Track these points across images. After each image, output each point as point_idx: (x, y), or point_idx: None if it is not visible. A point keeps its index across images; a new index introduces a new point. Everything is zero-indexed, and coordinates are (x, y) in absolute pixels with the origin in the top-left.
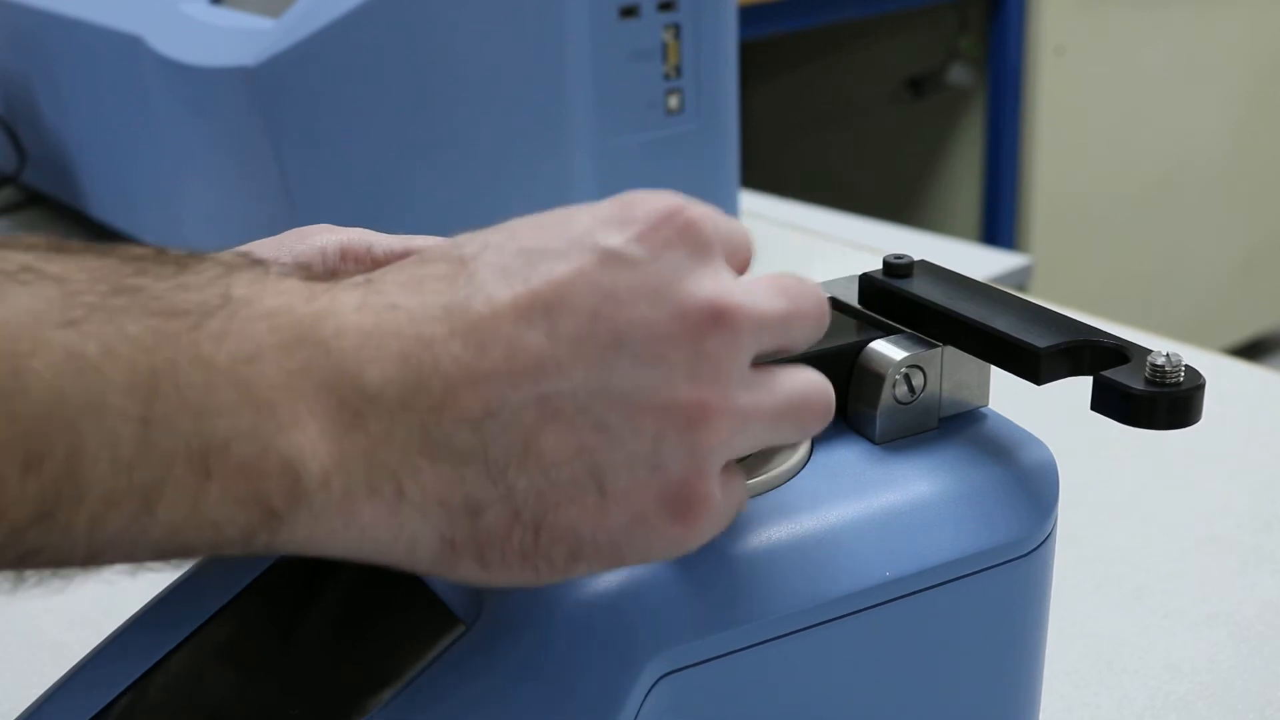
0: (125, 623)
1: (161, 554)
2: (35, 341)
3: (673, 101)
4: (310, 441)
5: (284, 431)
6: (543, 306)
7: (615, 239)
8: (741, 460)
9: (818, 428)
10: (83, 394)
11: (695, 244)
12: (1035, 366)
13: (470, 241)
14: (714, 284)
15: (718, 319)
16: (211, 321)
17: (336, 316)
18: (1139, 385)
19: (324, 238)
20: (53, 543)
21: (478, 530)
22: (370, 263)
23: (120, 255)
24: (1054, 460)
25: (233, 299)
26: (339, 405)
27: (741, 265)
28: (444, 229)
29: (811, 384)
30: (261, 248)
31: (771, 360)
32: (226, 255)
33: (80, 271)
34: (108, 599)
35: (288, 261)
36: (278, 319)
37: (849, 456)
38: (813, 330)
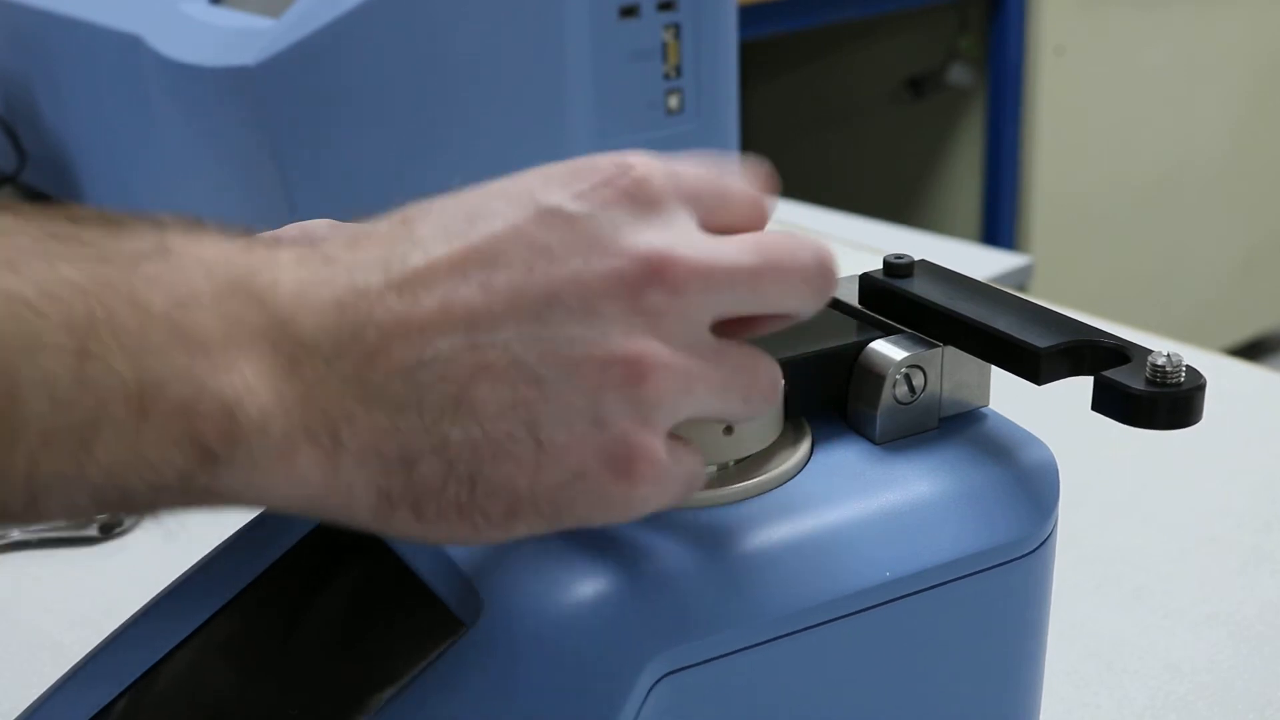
0: (125, 623)
1: (101, 499)
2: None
3: (673, 101)
4: (246, 385)
5: (220, 374)
6: (478, 260)
7: (555, 196)
8: (741, 460)
9: (761, 409)
10: (19, 335)
11: (640, 199)
12: (1035, 366)
13: (418, 206)
14: (655, 236)
15: (656, 272)
16: (147, 266)
17: (273, 268)
18: (1140, 385)
19: (323, 233)
20: None
21: (413, 482)
22: None
23: (62, 212)
24: (1054, 460)
25: (169, 249)
26: (274, 351)
27: (735, 224)
28: None
29: (761, 362)
30: None
31: (770, 337)
32: (166, 215)
33: (20, 223)
34: (107, 599)
35: None
36: (214, 268)
37: (849, 456)
38: (797, 290)
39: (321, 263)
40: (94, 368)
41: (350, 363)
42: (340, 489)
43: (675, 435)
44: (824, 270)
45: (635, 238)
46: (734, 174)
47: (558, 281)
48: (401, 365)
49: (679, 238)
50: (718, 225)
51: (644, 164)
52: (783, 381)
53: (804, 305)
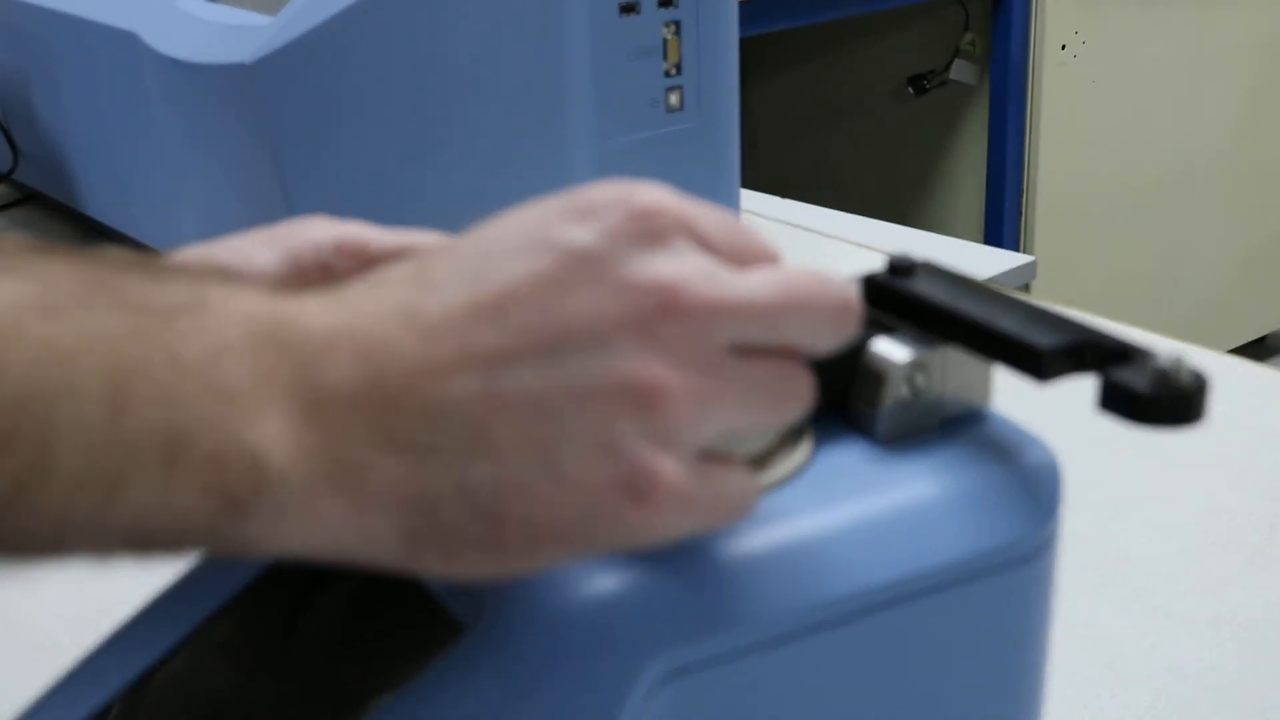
0: (123, 624)
1: (128, 541)
2: (15, 330)
3: (673, 99)
4: (273, 436)
5: (248, 425)
6: (492, 304)
7: (567, 233)
8: (746, 461)
9: (793, 415)
10: (57, 381)
11: (647, 228)
12: (1039, 367)
13: (439, 247)
14: (666, 266)
15: (667, 302)
16: (184, 318)
17: (300, 319)
18: (1143, 385)
19: (320, 231)
20: (21, 526)
21: (437, 523)
22: (365, 258)
23: (102, 258)
24: (1057, 461)
25: (205, 301)
26: (301, 402)
27: (742, 257)
28: (442, 226)
29: (786, 369)
30: (255, 238)
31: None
32: (203, 264)
33: (62, 270)
34: (107, 600)
35: (277, 255)
36: (246, 322)
37: (851, 457)
38: (817, 328)
39: (345, 310)
40: (127, 418)
41: (373, 410)
42: (366, 535)
43: (716, 455)
44: (847, 311)
45: (646, 269)
46: (744, 224)
47: (570, 317)
48: (421, 410)
49: (691, 268)
50: (733, 261)
51: (652, 195)
52: (812, 383)
53: (824, 343)
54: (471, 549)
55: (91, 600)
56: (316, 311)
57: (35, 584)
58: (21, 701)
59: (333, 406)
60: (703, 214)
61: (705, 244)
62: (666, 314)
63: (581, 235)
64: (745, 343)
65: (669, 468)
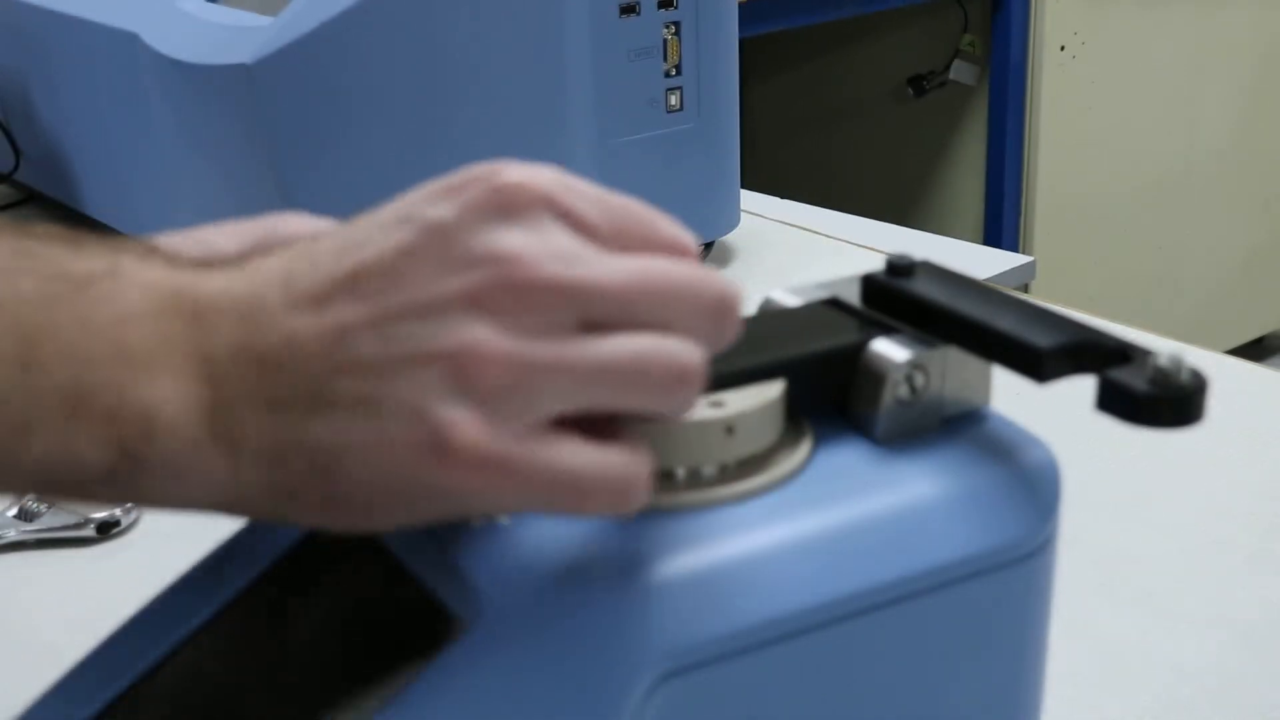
0: (122, 624)
1: (34, 484)
2: None
3: (673, 99)
4: (166, 393)
5: (145, 384)
6: (349, 275)
7: (426, 208)
8: (742, 461)
9: (666, 399)
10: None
11: (504, 203)
12: (1038, 366)
13: (334, 226)
14: (512, 240)
15: (505, 274)
16: (96, 287)
17: (199, 286)
18: (1142, 385)
19: (293, 225)
20: None
21: (291, 477)
22: None
23: (31, 231)
24: (1056, 461)
25: (118, 271)
26: (193, 361)
27: (626, 241)
28: None
29: (655, 349)
30: (227, 229)
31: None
32: (125, 239)
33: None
34: (105, 600)
35: (240, 245)
36: (152, 289)
37: (850, 457)
38: (691, 320)
39: (240, 279)
40: (34, 373)
41: (246, 370)
42: (241, 488)
43: (613, 434)
44: (721, 305)
45: (490, 242)
46: (654, 214)
47: (413, 287)
48: (279, 370)
49: (541, 244)
50: (612, 244)
51: (519, 172)
52: (697, 369)
53: (699, 334)
54: (320, 503)
55: (91, 600)
56: (217, 280)
57: (34, 584)
58: (21, 702)
59: (217, 365)
60: (580, 195)
61: (577, 224)
62: (504, 286)
63: (439, 210)
64: (599, 322)
65: (472, 430)
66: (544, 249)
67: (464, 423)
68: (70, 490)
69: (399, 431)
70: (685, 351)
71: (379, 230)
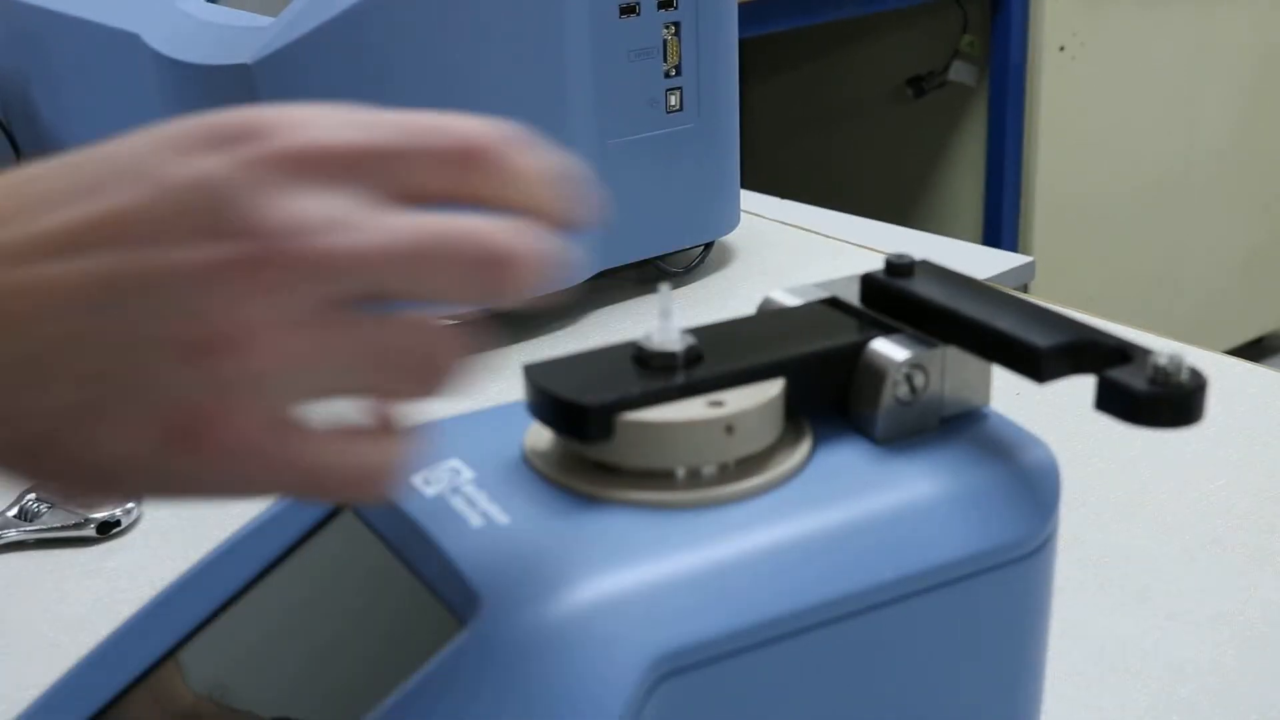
0: (123, 624)
1: None
2: None
3: (673, 100)
4: None
5: None
6: (87, 235)
7: (177, 164)
8: (742, 460)
9: (428, 385)
10: None
11: (276, 162)
12: (1037, 366)
13: (45, 164)
14: (277, 209)
15: (263, 249)
16: None
17: None
18: (1142, 385)
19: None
20: None
21: (18, 444)
22: None
23: None
24: (1055, 460)
25: None
26: None
27: (436, 187)
28: None
29: (426, 335)
30: None
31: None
32: None
33: None
34: (105, 600)
35: None
36: None
37: (850, 456)
38: (459, 284)
39: None
40: None
41: None
42: None
43: (356, 425)
44: (494, 263)
45: (252, 212)
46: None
47: (160, 257)
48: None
49: (309, 210)
50: (411, 186)
51: (288, 123)
52: (463, 354)
53: (470, 300)
54: (44, 472)
55: (91, 600)
56: None
57: (34, 584)
58: (22, 701)
59: None
60: (371, 130)
61: (356, 171)
62: (261, 264)
63: (191, 169)
64: (368, 294)
65: (227, 417)
66: (314, 220)
67: (225, 413)
68: None
69: (135, 414)
70: (444, 341)
71: (114, 181)
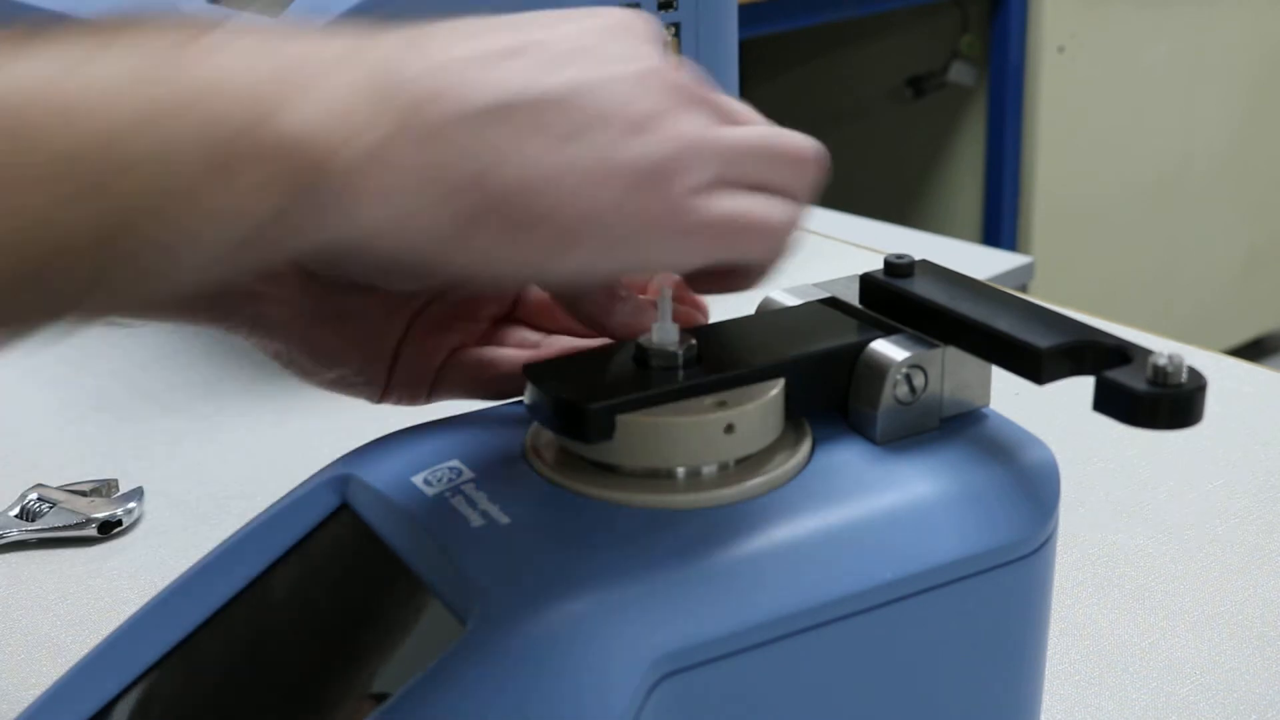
0: (124, 624)
1: (209, 260)
2: (69, 81)
3: None
4: (344, 132)
5: (302, 107)
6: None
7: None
8: (742, 460)
9: (803, 181)
10: (131, 113)
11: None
12: (1037, 367)
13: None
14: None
15: (669, 87)
16: (211, 39)
17: (382, 41)
18: (1141, 386)
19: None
20: (102, 267)
21: (481, 199)
22: None
23: (180, 26)
24: (1055, 461)
25: (228, 29)
26: (366, 92)
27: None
28: None
29: (791, 150)
30: None
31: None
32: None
33: (97, 30)
34: (107, 599)
35: None
36: (330, 45)
37: (850, 457)
38: (791, 174)
39: (425, 40)
40: (175, 132)
41: (413, 106)
42: (409, 218)
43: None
44: (808, 160)
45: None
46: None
47: (609, 67)
48: (457, 112)
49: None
50: (754, 172)
51: (723, 106)
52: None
53: (793, 190)
54: (506, 235)
55: (92, 600)
56: (400, 39)
57: (36, 584)
58: (23, 701)
59: (385, 100)
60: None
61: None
62: (684, 101)
63: (646, 63)
64: (734, 180)
65: (667, 174)
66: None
67: (664, 166)
68: (247, 255)
69: (618, 159)
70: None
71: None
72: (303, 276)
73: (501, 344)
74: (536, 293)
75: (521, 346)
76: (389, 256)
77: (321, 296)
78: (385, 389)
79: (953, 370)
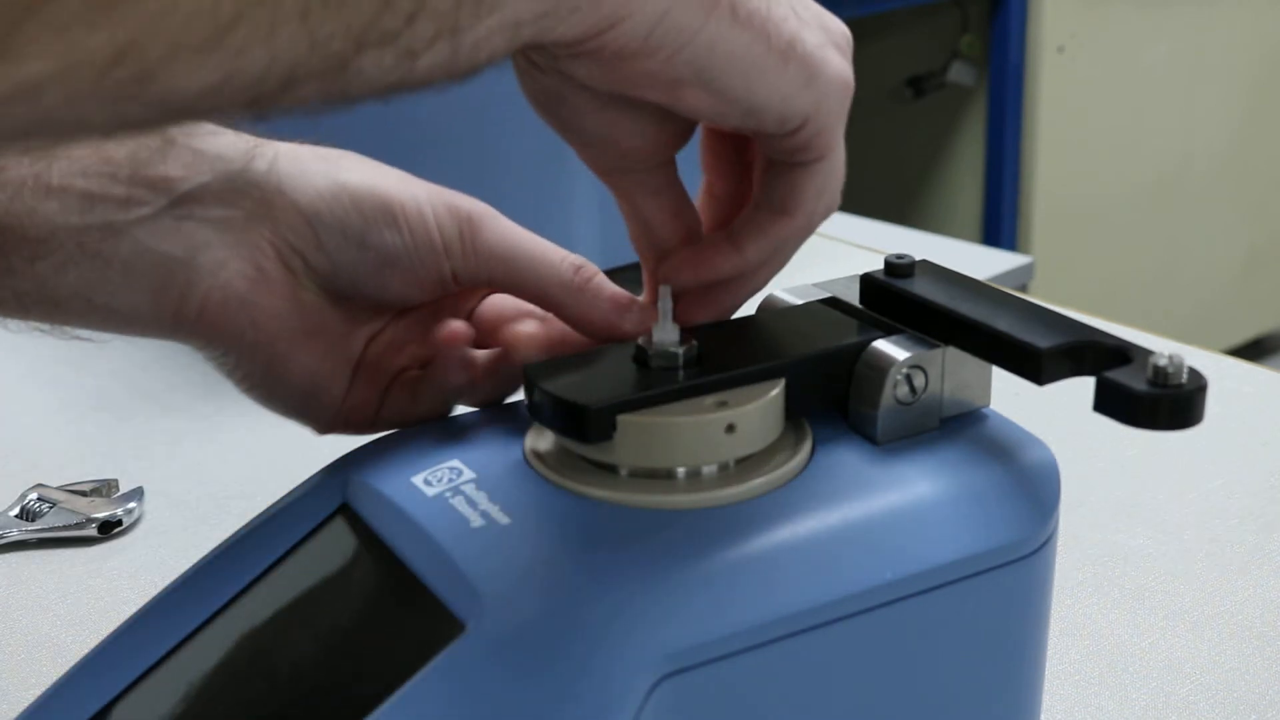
0: (124, 623)
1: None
2: None
3: None
4: None
5: None
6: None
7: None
8: (742, 460)
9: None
10: None
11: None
12: (1037, 367)
13: None
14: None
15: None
16: None
17: None
18: (1141, 386)
19: None
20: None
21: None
22: None
23: None
24: (1055, 461)
25: None
26: None
27: None
28: None
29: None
30: None
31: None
32: None
33: None
34: (107, 599)
35: None
36: None
37: (850, 457)
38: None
39: None
40: None
41: None
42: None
43: None
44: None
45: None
46: None
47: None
48: None
49: None
50: None
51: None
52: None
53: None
54: (753, 18)
55: (92, 600)
56: None
57: (36, 583)
58: (23, 701)
59: None
60: None
61: None
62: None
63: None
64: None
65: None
66: None
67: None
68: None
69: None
70: None
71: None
72: (292, 285)
73: (445, 366)
74: (490, 307)
75: (465, 368)
76: (643, 50)
77: (307, 308)
78: (338, 411)
79: (953, 370)
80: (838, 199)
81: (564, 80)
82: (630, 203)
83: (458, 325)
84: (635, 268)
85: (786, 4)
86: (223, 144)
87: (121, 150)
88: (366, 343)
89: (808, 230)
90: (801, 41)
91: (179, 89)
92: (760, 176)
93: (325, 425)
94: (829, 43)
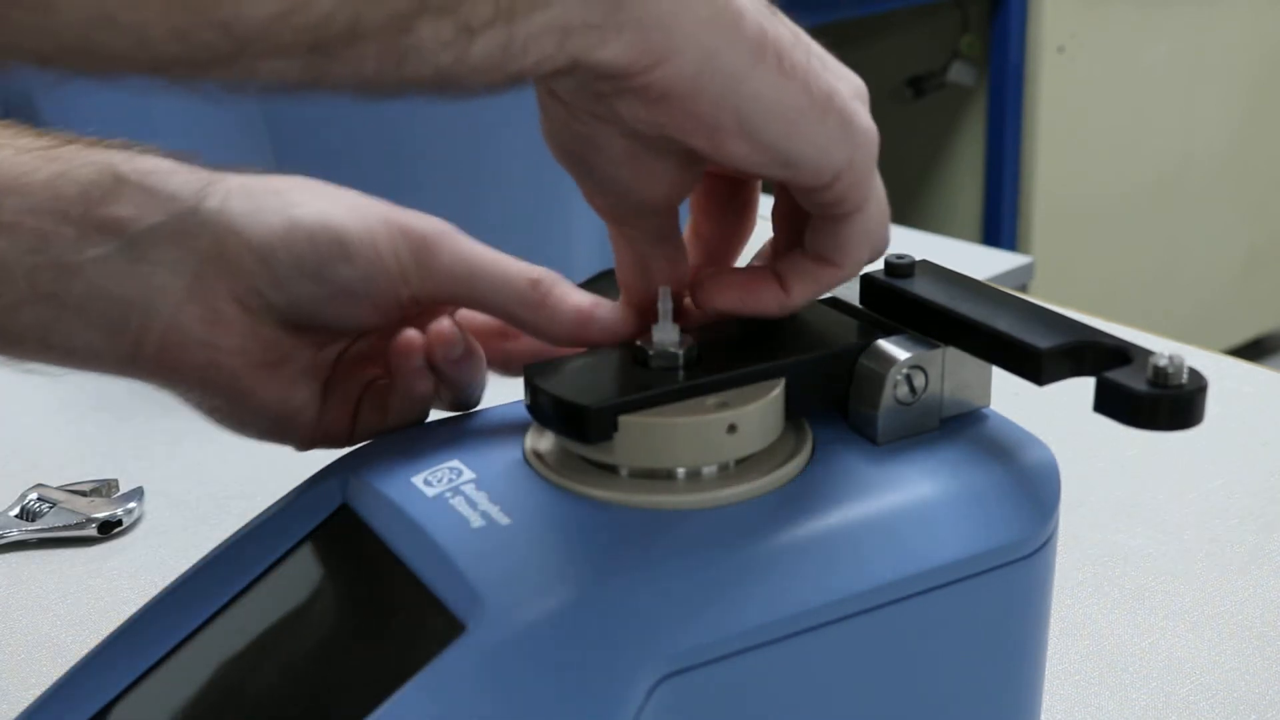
0: (124, 623)
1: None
2: None
3: None
4: None
5: None
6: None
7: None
8: (742, 461)
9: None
10: None
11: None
12: (1037, 367)
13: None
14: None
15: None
16: None
17: None
18: (1141, 386)
19: None
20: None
21: (778, 36)
22: None
23: None
24: (1055, 461)
25: None
26: None
27: None
28: None
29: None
30: None
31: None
32: None
33: None
34: (107, 599)
35: None
36: None
37: (850, 457)
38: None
39: None
40: None
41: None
42: (720, 51)
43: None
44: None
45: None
46: None
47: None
48: None
49: None
50: None
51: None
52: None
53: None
54: (797, 69)
55: (92, 600)
56: None
57: (36, 583)
58: (23, 701)
59: None
60: None
61: None
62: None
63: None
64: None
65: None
66: None
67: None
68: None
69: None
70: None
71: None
72: (250, 322)
73: (405, 378)
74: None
75: (424, 377)
76: (681, 91)
77: (268, 342)
78: (314, 429)
79: (953, 370)
80: (886, 242)
81: (600, 125)
82: (632, 246)
83: (410, 335)
84: None
85: (816, 57)
86: (175, 183)
87: (73, 188)
88: (334, 361)
89: (855, 274)
90: (838, 94)
91: (244, 14)
92: (806, 228)
93: (304, 444)
94: (855, 95)
